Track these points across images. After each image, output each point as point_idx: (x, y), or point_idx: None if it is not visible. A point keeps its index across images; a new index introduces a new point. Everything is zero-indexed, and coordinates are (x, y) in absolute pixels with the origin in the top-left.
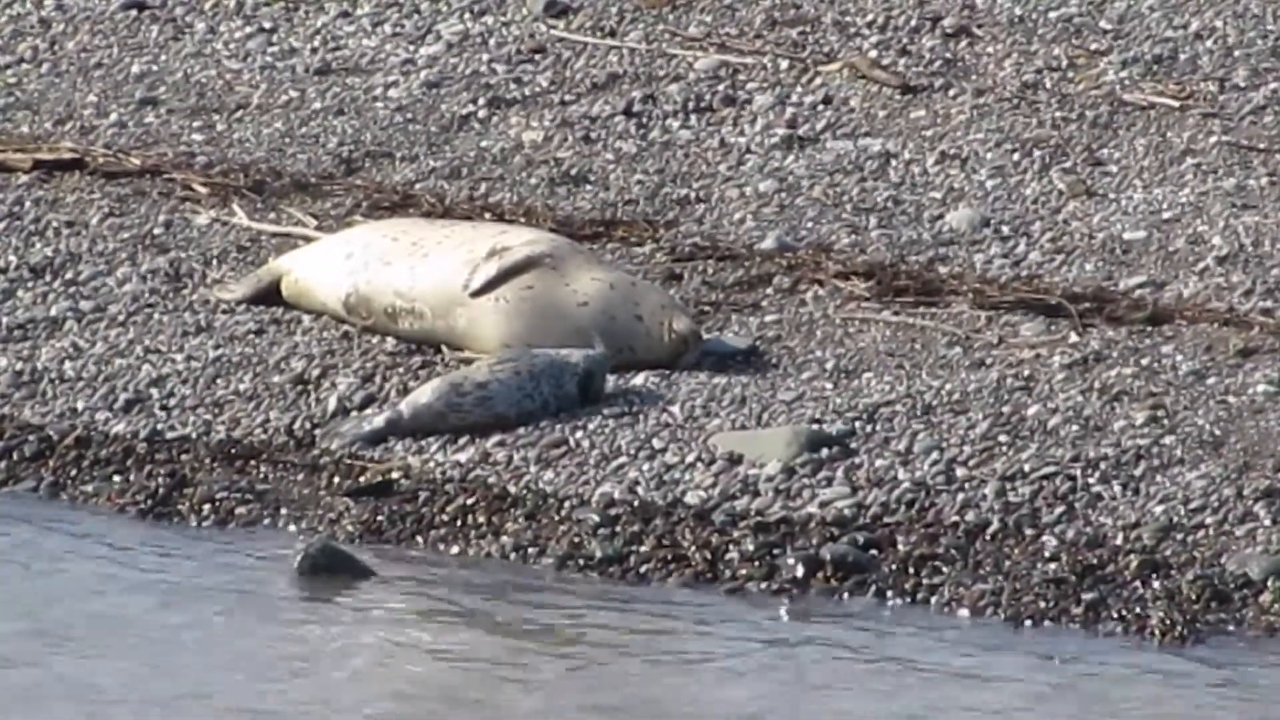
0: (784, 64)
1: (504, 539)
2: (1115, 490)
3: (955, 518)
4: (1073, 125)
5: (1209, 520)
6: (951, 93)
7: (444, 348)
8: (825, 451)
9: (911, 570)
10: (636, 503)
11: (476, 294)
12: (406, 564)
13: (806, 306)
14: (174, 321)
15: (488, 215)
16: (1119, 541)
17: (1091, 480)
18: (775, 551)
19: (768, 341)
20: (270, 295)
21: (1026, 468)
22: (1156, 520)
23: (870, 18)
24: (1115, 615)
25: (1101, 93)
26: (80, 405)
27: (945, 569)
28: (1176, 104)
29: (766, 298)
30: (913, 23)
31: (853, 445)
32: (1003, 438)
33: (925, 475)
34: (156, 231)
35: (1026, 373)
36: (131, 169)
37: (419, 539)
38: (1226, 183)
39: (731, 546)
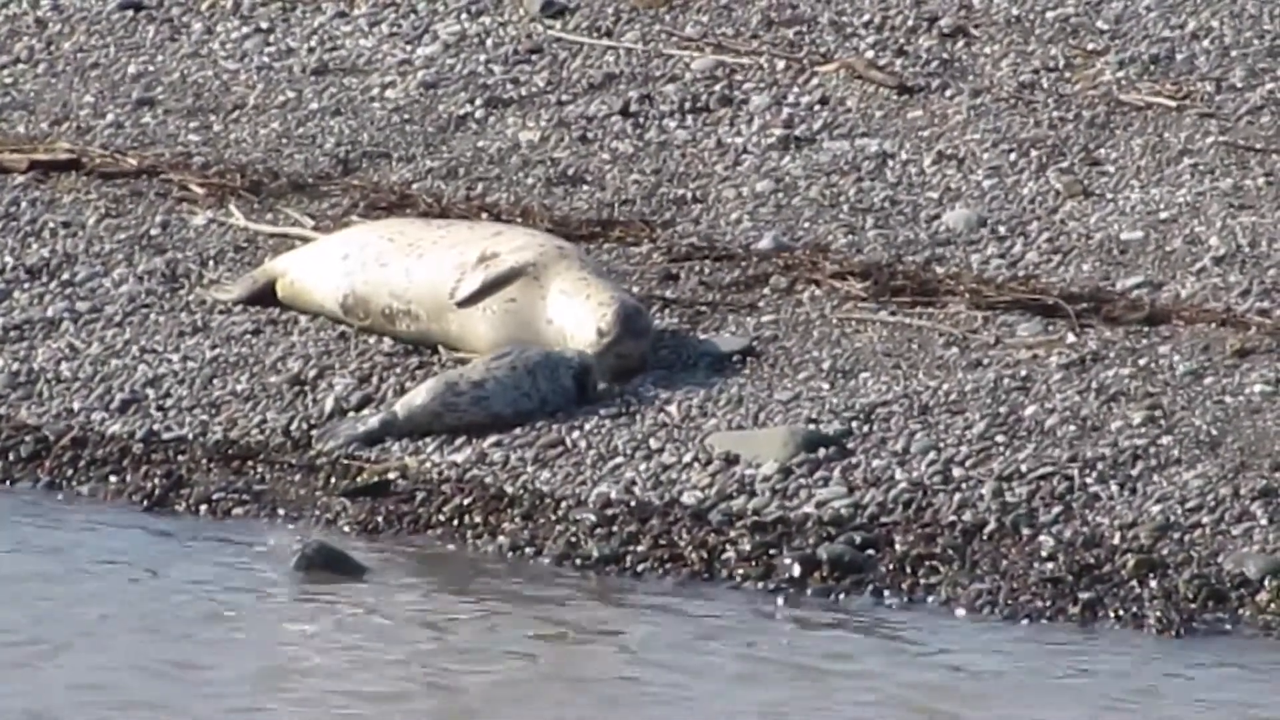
0: (780, 64)
1: (501, 538)
2: (1112, 490)
3: (952, 518)
4: (1070, 125)
5: (1206, 520)
6: (948, 93)
7: (440, 348)
8: (822, 451)
9: (908, 570)
10: (633, 502)
11: (462, 305)
12: (403, 563)
13: (803, 307)
14: (170, 322)
15: (484, 215)
16: (1116, 541)
17: (1089, 480)
18: (772, 551)
19: (764, 341)
20: (266, 296)
21: (1023, 468)
22: (1153, 520)
23: (867, 18)
24: (1112, 614)
25: (1098, 93)
26: (76, 406)
27: (942, 569)
28: (1173, 104)
29: (763, 298)
30: (909, 23)
31: (849, 445)
32: (1000, 438)
33: (922, 475)
34: (153, 232)
35: (1023, 373)
36: (128, 169)
37: (416, 539)
38: (1223, 183)
39: (728, 546)
